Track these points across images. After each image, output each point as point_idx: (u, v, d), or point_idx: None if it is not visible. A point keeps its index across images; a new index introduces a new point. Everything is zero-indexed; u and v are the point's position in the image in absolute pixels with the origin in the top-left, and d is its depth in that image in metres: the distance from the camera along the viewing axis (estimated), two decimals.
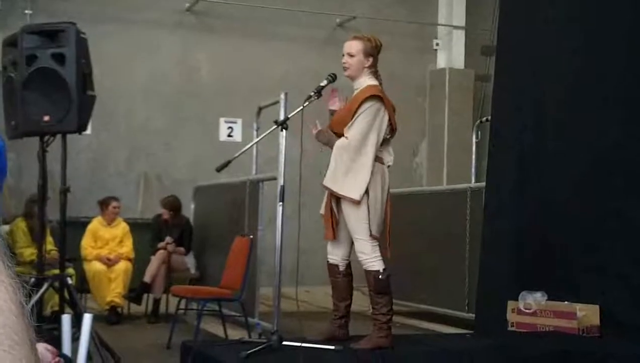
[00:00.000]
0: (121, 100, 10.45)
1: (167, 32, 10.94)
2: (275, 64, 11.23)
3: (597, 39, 5.88)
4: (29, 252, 7.51)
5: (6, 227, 7.66)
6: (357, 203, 4.61)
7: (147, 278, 8.32)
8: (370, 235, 4.64)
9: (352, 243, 4.78)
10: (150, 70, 10.79)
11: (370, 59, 4.82)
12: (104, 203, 8.55)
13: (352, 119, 4.67)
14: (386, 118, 4.75)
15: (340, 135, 4.76)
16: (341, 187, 4.63)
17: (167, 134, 10.93)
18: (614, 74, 5.76)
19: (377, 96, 4.73)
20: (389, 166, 4.81)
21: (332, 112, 4.91)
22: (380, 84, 4.87)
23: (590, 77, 5.89)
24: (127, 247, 8.45)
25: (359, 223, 4.64)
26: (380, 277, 4.64)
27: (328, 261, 4.94)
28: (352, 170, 4.62)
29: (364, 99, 4.69)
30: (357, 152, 4.63)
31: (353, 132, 4.66)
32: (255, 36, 11.26)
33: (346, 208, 4.68)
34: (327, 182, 4.69)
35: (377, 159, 4.70)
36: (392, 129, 4.82)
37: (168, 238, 8.58)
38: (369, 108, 4.68)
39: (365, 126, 4.65)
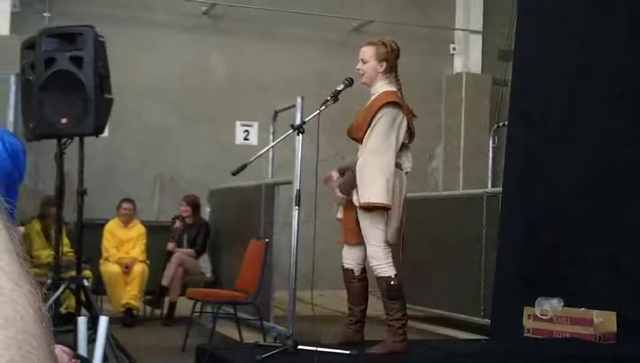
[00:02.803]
0: (137, 103, 10.48)
1: (184, 35, 10.97)
2: (291, 68, 11.24)
3: (610, 41, 5.87)
4: (45, 254, 7.55)
5: (22, 229, 7.69)
6: (385, 209, 4.58)
7: (165, 281, 8.35)
8: (384, 241, 4.62)
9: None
10: (166, 73, 10.82)
11: (384, 64, 4.76)
12: (118, 205, 8.64)
13: (368, 126, 4.64)
14: (404, 123, 4.71)
15: (357, 140, 4.74)
16: (370, 196, 4.56)
17: (181, 136, 10.96)
18: (620, 74, 5.75)
19: (393, 103, 4.70)
20: (406, 173, 4.78)
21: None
22: (400, 89, 4.82)
23: (601, 77, 5.88)
24: (138, 249, 8.48)
25: (373, 229, 4.62)
26: (392, 283, 4.62)
27: (343, 266, 4.93)
28: (375, 178, 4.57)
29: (380, 107, 4.66)
30: (377, 160, 4.59)
31: (371, 142, 4.62)
32: (271, 39, 11.28)
33: (361, 213, 4.65)
34: (360, 199, 4.60)
35: (396, 165, 4.65)
36: (410, 134, 4.79)
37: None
38: (385, 115, 4.64)
39: (383, 133, 4.62)
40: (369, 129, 4.63)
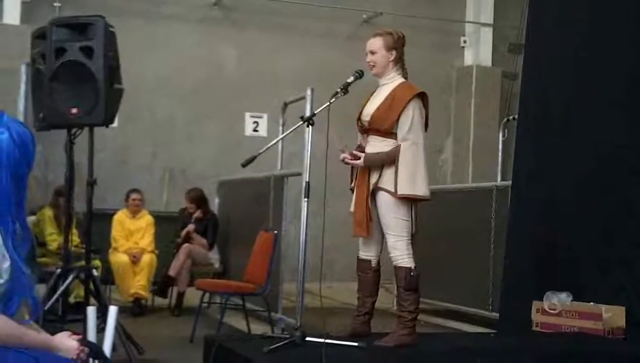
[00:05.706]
0: (146, 95, 10.50)
1: (193, 26, 10.98)
2: (301, 60, 11.24)
3: (618, 37, 5.85)
4: (58, 243, 7.57)
5: (33, 218, 7.73)
6: (411, 199, 4.61)
7: (172, 271, 8.36)
8: (408, 232, 4.64)
9: (383, 239, 4.75)
10: (176, 65, 10.83)
11: (394, 53, 4.77)
12: (127, 196, 8.66)
13: (398, 118, 4.63)
14: (424, 114, 4.75)
15: (379, 131, 4.71)
16: (415, 188, 4.59)
17: (191, 128, 10.98)
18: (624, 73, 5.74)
19: (421, 93, 4.73)
20: None
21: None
22: (406, 77, 4.84)
23: (611, 75, 5.85)
24: (147, 240, 8.50)
25: (398, 221, 4.62)
26: (412, 273, 4.63)
27: (359, 257, 4.92)
28: (417, 170, 4.62)
29: (410, 98, 4.66)
30: (419, 152, 4.64)
31: (414, 133, 4.63)
32: (280, 31, 11.27)
33: (387, 205, 4.64)
34: (403, 189, 4.59)
35: None
36: (426, 123, 4.81)
37: (190, 226, 8.64)
38: (417, 107, 4.68)
39: (417, 125, 4.65)
40: (405, 120, 4.63)
